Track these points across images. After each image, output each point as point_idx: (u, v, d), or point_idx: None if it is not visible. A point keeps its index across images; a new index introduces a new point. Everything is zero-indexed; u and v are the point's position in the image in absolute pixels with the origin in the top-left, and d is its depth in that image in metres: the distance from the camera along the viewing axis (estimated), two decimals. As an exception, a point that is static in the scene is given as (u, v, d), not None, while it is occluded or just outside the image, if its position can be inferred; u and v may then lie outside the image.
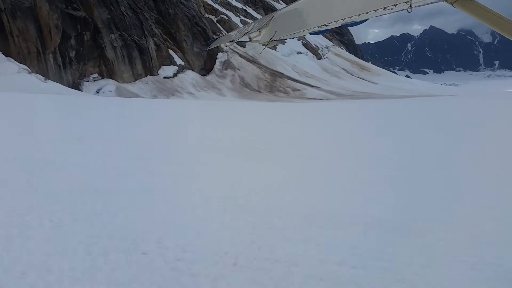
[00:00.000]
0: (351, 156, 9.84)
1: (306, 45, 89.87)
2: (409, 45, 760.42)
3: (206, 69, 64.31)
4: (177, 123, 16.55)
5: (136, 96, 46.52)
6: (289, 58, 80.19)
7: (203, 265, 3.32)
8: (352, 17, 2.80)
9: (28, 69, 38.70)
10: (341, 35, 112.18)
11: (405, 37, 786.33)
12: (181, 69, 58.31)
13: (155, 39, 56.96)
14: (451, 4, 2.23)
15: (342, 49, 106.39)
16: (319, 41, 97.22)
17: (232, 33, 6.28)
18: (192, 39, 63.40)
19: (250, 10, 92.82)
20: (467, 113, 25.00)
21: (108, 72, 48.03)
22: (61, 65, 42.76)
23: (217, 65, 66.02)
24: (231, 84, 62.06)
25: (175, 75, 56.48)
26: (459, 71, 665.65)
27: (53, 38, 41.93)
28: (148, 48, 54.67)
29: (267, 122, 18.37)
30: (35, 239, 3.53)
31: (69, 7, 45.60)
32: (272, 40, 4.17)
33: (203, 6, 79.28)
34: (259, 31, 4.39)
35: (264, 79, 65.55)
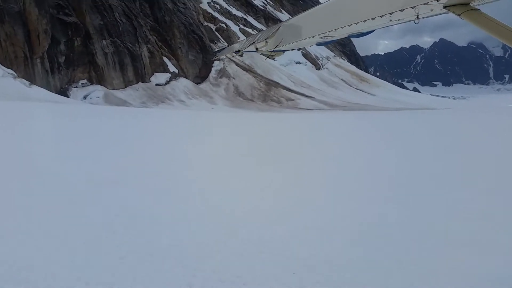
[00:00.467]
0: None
1: (306, 55, 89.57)
2: (418, 57, 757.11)
3: (201, 77, 64.28)
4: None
5: (124, 102, 46.48)
6: (287, 68, 79.89)
7: None
8: (358, 23, 2.80)
9: (14, 73, 38.83)
10: (343, 46, 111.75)
11: (415, 49, 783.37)
12: (174, 76, 58.30)
13: (149, 46, 57.09)
14: (459, 15, 2.23)
15: (344, 59, 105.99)
16: (320, 51, 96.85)
17: (236, 44, 6.34)
18: (187, 46, 63.50)
19: (250, 19, 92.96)
20: (445, 128, 24.13)
21: (97, 78, 48.10)
22: (49, 70, 42.90)
23: (213, 73, 65.97)
24: (224, 92, 61.87)
25: (167, 82, 56.46)
26: (468, 84, 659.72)
27: (41, 43, 42.15)
28: (141, 55, 54.79)
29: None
30: None
31: (60, 13, 45.90)
32: (277, 50, 4.35)
33: (203, 14, 79.58)
34: (266, 41, 4.44)
35: (259, 88, 65.28)
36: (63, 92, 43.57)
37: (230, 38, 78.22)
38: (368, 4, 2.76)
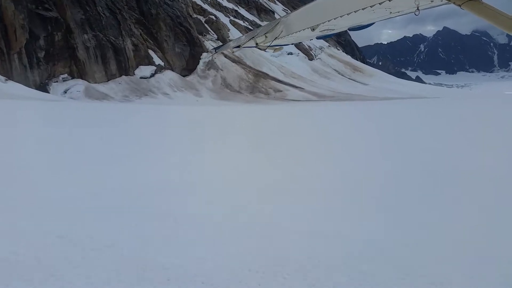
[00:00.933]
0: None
1: (298, 46, 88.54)
2: (422, 46, 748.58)
3: (188, 69, 63.78)
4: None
5: (105, 96, 46.22)
6: (279, 59, 78.94)
7: None
8: (357, 11, 2.76)
9: (-11, 69, 38.67)
10: (337, 35, 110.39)
11: (418, 38, 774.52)
12: (159, 69, 57.84)
13: (133, 39, 56.60)
14: (459, 6, 2.22)
15: (339, 50, 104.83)
16: (314, 41, 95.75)
17: (235, 40, 6.23)
18: (174, 39, 62.94)
19: (242, 10, 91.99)
20: (420, 118, 23.29)
21: (79, 73, 47.76)
22: (27, 65, 42.61)
23: (200, 66, 65.43)
24: (211, 84, 61.39)
25: (152, 75, 56.02)
26: (472, 72, 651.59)
27: (18, 38, 41.83)
28: (125, 48, 54.32)
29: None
30: None
31: (40, 7, 45.49)
32: (276, 45, 4.37)
33: (192, 6, 78.79)
34: (265, 36, 4.40)
35: (247, 79, 64.70)
36: (43, 87, 43.35)
37: (219, 30, 77.47)
38: None
